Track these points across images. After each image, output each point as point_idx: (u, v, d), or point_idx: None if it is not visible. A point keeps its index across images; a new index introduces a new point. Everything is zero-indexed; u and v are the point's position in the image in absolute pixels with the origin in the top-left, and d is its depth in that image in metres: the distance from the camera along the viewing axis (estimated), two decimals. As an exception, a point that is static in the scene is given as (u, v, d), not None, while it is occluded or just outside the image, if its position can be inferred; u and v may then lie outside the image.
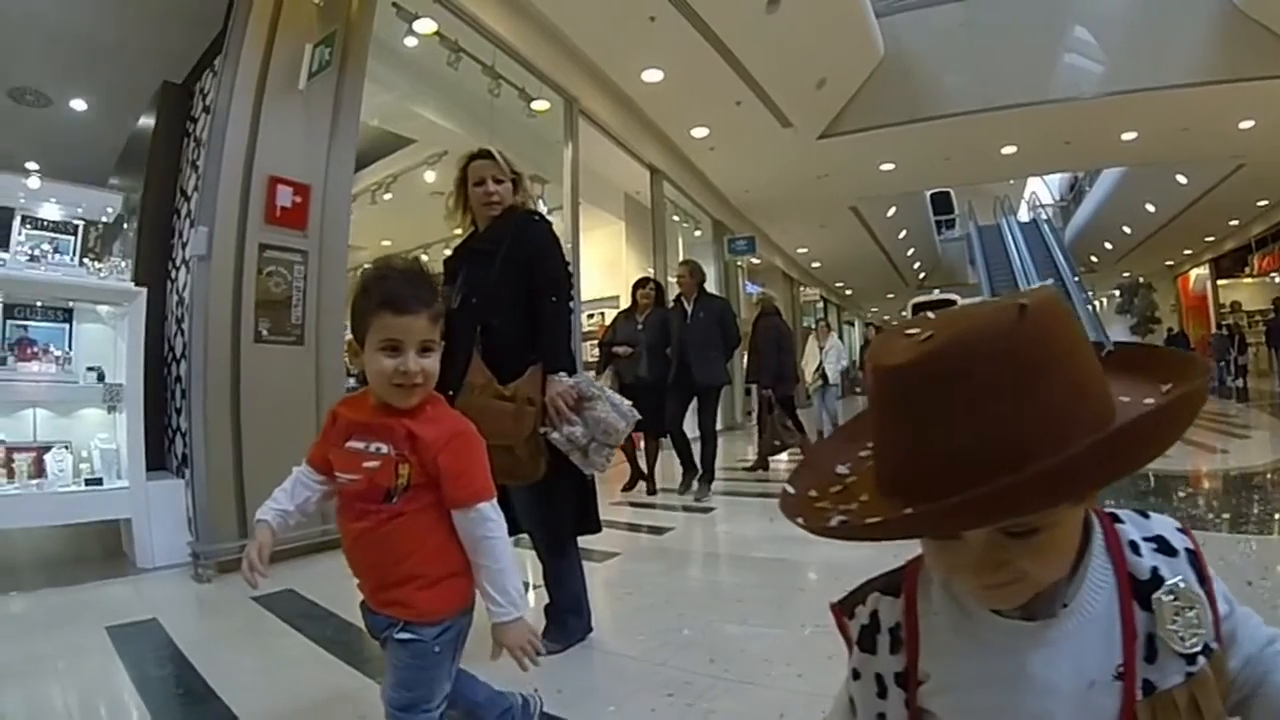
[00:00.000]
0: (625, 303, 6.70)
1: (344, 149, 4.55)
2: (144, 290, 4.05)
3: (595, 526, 2.84)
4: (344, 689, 2.46)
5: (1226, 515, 4.51)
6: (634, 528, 5.14)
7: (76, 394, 4.09)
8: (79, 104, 6.45)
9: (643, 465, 6.51)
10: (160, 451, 4.47)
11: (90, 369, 4.07)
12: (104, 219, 4.33)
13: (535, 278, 2.59)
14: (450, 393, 2.40)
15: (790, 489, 0.79)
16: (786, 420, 7.48)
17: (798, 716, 2.12)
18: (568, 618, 2.73)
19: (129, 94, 5.70)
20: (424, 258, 13.01)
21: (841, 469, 0.79)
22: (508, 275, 2.56)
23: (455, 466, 1.45)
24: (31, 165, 6.07)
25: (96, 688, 2.53)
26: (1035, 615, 0.71)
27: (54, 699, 2.40)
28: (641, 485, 6.45)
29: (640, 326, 6.19)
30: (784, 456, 7.79)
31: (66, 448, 3.99)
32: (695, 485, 6.16)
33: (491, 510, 1.47)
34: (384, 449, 1.44)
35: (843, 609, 0.88)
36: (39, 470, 3.86)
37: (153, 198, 4.63)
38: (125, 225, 4.89)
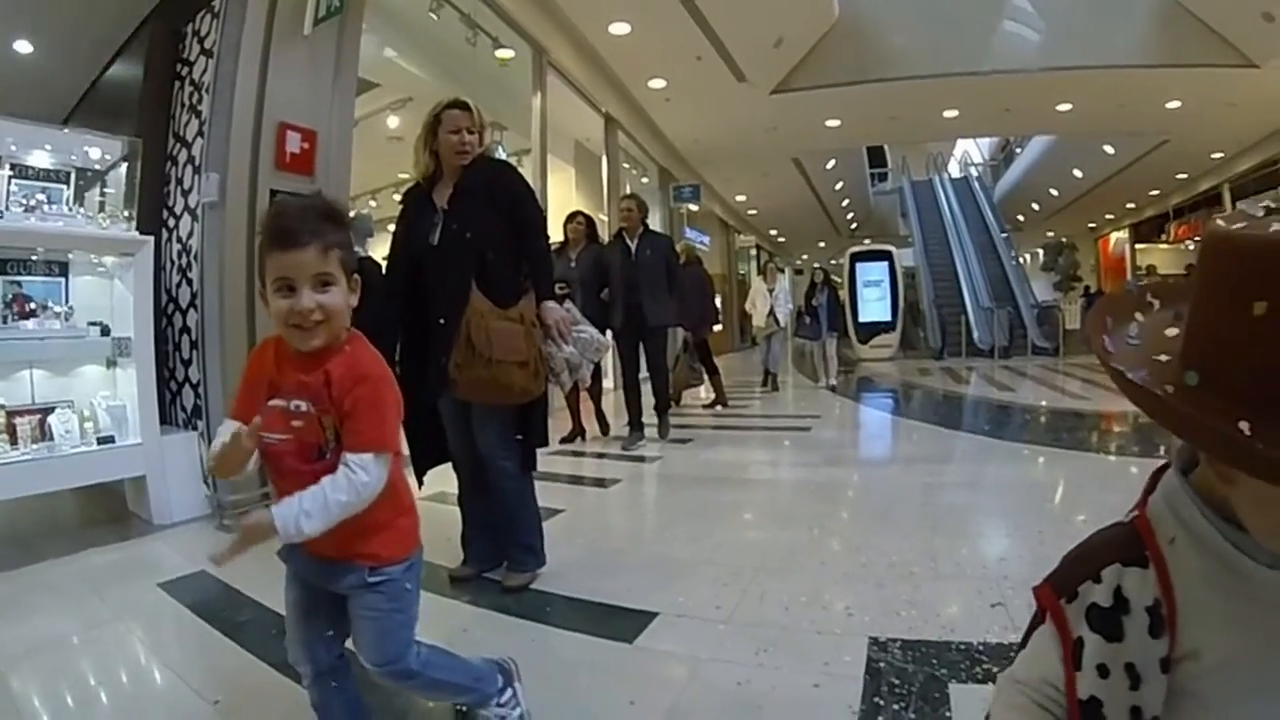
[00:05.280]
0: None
1: (345, 95, 4.54)
2: (151, 239, 3.96)
3: (546, 440, 3.02)
4: (430, 611, 2.61)
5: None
6: (624, 458, 5.46)
7: (78, 351, 3.94)
8: (24, 46, 6.10)
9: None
10: (162, 405, 4.40)
11: (93, 324, 3.92)
12: (97, 166, 4.18)
13: (526, 219, 2.81)
14: (442, 321, 2.62)
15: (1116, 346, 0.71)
16: (695, 361, 7.99)
17: (836, 592, 2.68)
18: (533, 541, 2.90)
19: (88, 35, 5.45)
20: (372, 203, 12.47)
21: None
22: (496, 214, 2.73)
23: (356, 409, 1.36)
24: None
25: (186, 642, 2.48)
26: None
27: (150, 659, 2.35)
28: (587, 436, 6.13)
29: (573, 264, 5.77)
30: (701, 392, 8.45)
31: (70, 408, 3.85)
32: (638, 433, 5.91)
33: (372, 463, 1.35)
34: (304, 406, 1.37)
35: (1058, 590, 0.74)
36: (43, 433, 3.69)
37: (147, 144, 4.50)
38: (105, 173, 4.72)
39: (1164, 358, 0.66)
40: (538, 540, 2.91)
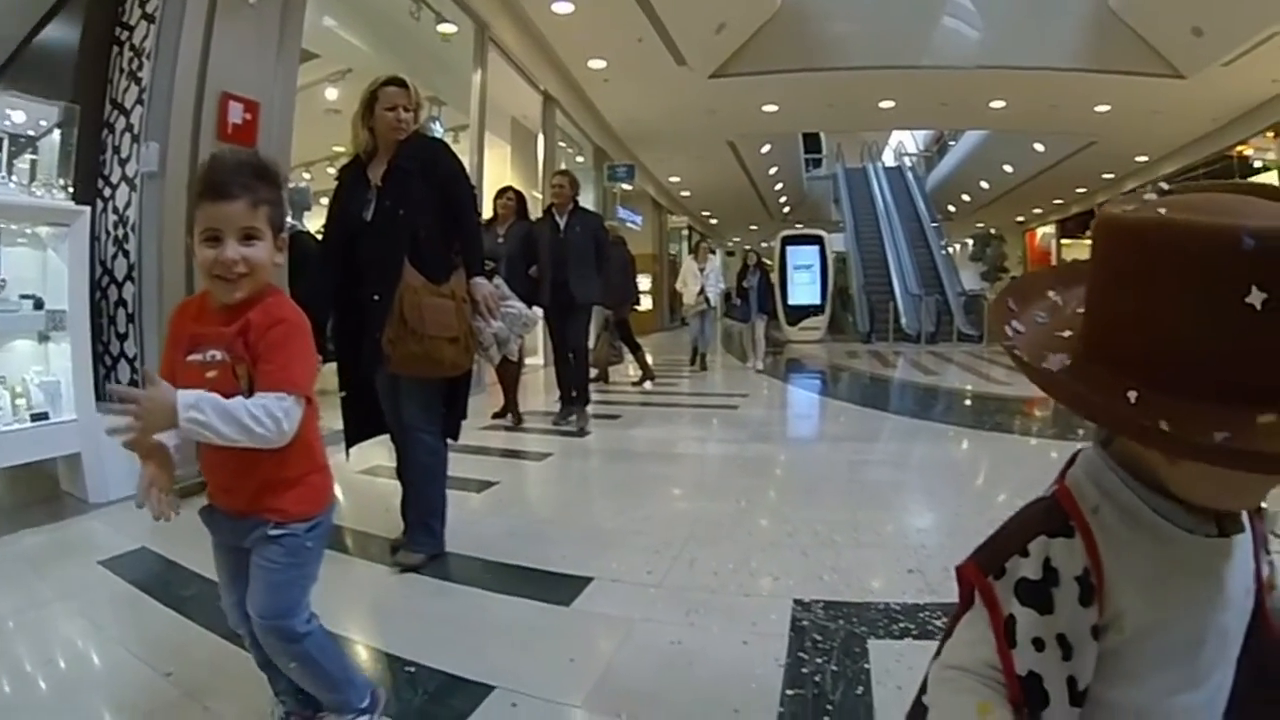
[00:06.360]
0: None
1: (289, 67, 4.51)
2: (87, 209, 3.85)
3: (465, 414, 3.07)
4: (373, 579, 2.73)
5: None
6: (556, 433, 5.57)
7: (9, 325, 3.77)
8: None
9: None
10: (97, 380, 4.30)
11: (25, 297, 3.77)
12: (30, 131, 4.06)
13: (459, 197, 2.88)
14: (377, 297, 2.68)
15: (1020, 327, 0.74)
16: (616, 339, 8.17)
17: (762, 558, 2.87)
18: (434, 523, 2.89)
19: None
20: (306, 175, 12.14)
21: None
22: (429, 191, 2.79)
23: (269, 351, 1.38)
24: None
25: (132, 618, 2.43)
26: (1226, 530, 0.69)
27: (98, 636, 2.30)
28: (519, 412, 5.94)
29: (500, 239, 5.64)
30: (630, 370, 8.67)
31: (1, 384, 3.70)
32: (575, 414, 5.77)
33: (293, 405, 1.37)
34: (218, 355, 1.39)
35: (984, 568, 0.72)
36: (-28, 411, 3.53)
37: (83, 110, 4.37)
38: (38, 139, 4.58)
39: (1066, 333, 0.69)
40: (438, 523, 2.89)
